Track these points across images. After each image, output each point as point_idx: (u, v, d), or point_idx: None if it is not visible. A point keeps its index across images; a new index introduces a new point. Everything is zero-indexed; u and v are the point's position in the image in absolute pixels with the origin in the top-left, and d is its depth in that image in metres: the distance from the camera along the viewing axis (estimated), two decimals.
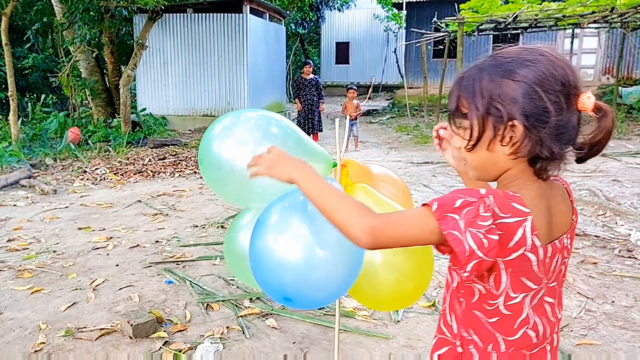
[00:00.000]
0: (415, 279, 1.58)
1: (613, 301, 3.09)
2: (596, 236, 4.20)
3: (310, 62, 9.93)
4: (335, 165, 1.63)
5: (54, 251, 4.09)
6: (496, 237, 0.91)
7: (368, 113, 15.00)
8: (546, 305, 1.06)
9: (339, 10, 22.71)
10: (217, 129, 1.56)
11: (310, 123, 9.62)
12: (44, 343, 2.69)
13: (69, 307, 3.10)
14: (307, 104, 9.55)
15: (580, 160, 1.02)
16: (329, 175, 1.61)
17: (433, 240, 0.95)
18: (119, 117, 10.08)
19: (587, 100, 0.95)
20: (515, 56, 0.98)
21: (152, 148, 8.99)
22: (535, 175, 0.99)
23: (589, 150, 1.00)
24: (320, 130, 9.82)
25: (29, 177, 6.52)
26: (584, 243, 4.08)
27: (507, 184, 1.01)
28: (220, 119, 1.59)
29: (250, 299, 3.18)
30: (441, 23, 10.71)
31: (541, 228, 0.97)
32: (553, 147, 0.94)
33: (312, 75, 9.61)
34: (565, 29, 11.65)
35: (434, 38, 11.90)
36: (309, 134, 9.70)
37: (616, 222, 4.55)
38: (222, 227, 4.68)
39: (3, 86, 11.70)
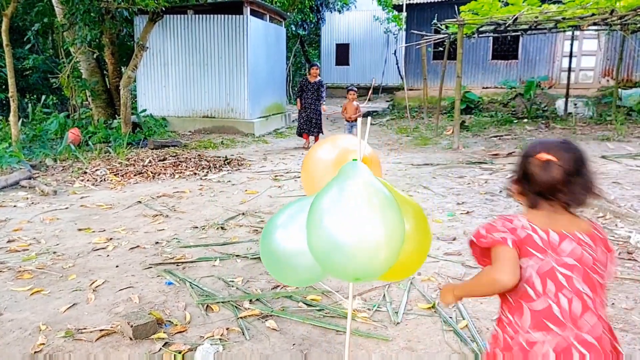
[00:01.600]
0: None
1: (613, 303, 3.09)
2: None
3: (317, 64, 9.90)
4: (355, 160, 1.66)
5: (54, 252, 4.09)
6: (506, 230, 1.48)
7: (368, 114, 15.00)
8: (559, 275, 1.41)
9: (339, 11, 22.71)
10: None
11: (310, 124, 9.62)
12: (43, 344, 2.69)
13: (68, 308, 3.10)
14: (309, 106, 9.54)
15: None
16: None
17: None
18: (119, 118, 10.08)
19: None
20: None
21: (152, 149, 9.00)
22: (532, 207, 1.53)
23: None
24: (321, 132, 9.82)
25: (29, 178, 6.53)
26: None
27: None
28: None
29: (250, 301, 3.18)
30: (441, 25, 10.70)
31: (537, 222, 1.47)
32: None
33: (318, 78, 9.60)
34: (565, 31, 11.65)
35: (434, 40, 11.89)
36: (309, 135, 9.71)
37: (616, 225, 4.55)
38: (222, 228, 4.68)
39: (3, 87, 11.71)
